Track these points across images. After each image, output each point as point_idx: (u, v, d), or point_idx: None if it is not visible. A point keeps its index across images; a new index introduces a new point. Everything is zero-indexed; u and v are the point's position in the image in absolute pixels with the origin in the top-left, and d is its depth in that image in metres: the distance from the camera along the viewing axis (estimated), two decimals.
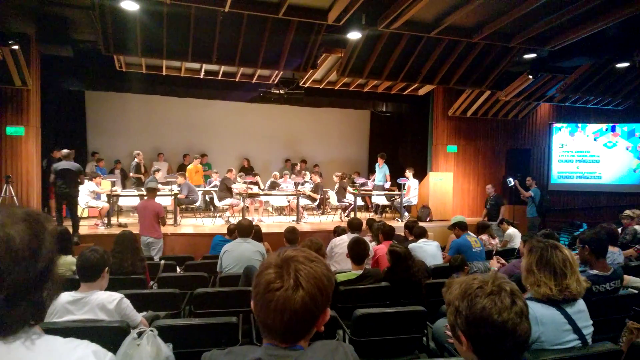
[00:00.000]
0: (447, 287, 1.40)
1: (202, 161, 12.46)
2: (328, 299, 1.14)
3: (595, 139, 12.51)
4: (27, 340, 0.96)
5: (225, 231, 6.83)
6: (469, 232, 5.88)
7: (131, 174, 10.23)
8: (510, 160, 12.11)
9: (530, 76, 9.82)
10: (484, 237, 6.69)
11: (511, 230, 7.41)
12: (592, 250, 3.23)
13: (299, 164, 13.50)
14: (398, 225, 8.46)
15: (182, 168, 11.69)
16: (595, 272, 3.20)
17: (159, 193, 9.25)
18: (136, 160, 10.26)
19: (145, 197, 7.03)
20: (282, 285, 1.08)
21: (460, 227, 5.87)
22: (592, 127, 12.53)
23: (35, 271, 0.97)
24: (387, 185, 11.10)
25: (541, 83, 10.50)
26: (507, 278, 1.35)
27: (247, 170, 12.56)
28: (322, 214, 11.60)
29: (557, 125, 12.68)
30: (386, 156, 11.35)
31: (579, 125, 12.57)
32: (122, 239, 4.14)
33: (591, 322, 2.17)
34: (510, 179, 10.84)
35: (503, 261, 4.86)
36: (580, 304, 2.17)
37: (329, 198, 11.24)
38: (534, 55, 9.17)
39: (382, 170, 11.24)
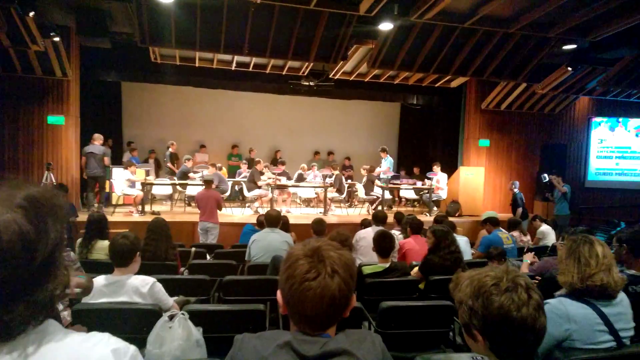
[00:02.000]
0: (454, 284, 1.34)
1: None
2: (355, 284, 1.20)
3: (637, 135, 12.01)
4: (30, 346, 0.83)
5: (253, 221, 6.96)
6: (500, 228, 5.82)
7: (168, 164, 10.41)
8: (545, 156, 11.69)
9: (569, 68, 9.46)
10: (516, 233, 6.55)
11: (544, 228, 7.18)
12: (630, 249, 3.09)
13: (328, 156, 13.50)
14: (426, 219, 8.43)
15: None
16: (632, 272, 3.06)
17: (189, 182, 9.55)
18: (170, 149, 10.48)
19: (204, 187, 7.54)
20: (318, 274, 1.13)
21: (491, 222, 5.84)
22: (634, 122, 12.01)
23: (32, 267, 0.83)
24: (386, 176, 10.82)
25: (580, 76, 10.10)
26: (517, 271, 1.30)
27: (276, 162, 12.64)
28: (350, 206, 11.58)
29: (597, 119, 12.18)
30: (387, 149, 11.31)
31: (620, 120, 12.06)
32: (156, 226, 4.22)
33: (633, 324, 2.10)
34: (545, 175, 10.51)
35: (536, 258, 4.78)
36: (622, 306, 2.11)
37: (357, 191, 11.20)
38: (573, 46, 8.81)
39: (386, 163, 11.10)
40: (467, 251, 5.39)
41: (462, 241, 5.43)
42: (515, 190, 9.95)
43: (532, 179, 11.69)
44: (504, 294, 1.22)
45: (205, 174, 8.99)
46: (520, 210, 9.63)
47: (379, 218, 5.81)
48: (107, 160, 8.67)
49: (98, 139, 8.78)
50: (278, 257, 4.18)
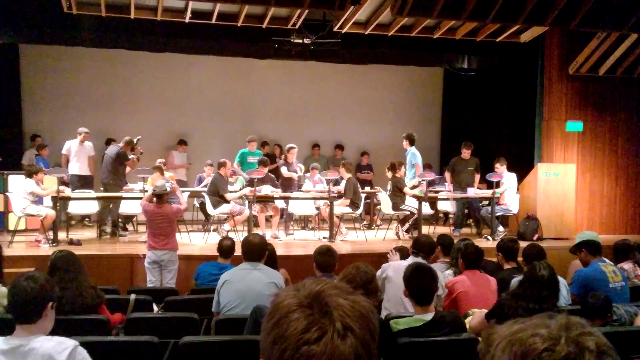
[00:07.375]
0: (484, 343, 1.28)
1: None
2: (377, 346, 1.19)
3: None
4: None
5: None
6: (603, 257, 5.78)
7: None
8: None
9: None
10: (627, 265, 6.36)
11: None
12: None
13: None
14: (487, 245, 8.47)
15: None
16: None
17: (124, 195, 9.66)
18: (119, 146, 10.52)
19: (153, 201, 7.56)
20: (323, 333, 1.12)
21: (589, 249, 5.77)
22: None
23: None
24: (415, 181, 10.81)
25: None
26: (585, 325, 1.19)
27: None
28: (370, 227, 11.68)
29: None
30: (414, 137, 11.11)
31: None
32: (63, 262, 4.31)
33: None
34: None
35: None
36: None
37: (379, 204, 11.24)
38: None
39: (409, 157, 11.09)
40: (565, 297, 5.30)
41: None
42: None
43: None
44: None
45: (158, 183, 8.18)
46: None
47: (421, 246, 5.74)
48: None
49: None
50: (262, 307, 4.18)
